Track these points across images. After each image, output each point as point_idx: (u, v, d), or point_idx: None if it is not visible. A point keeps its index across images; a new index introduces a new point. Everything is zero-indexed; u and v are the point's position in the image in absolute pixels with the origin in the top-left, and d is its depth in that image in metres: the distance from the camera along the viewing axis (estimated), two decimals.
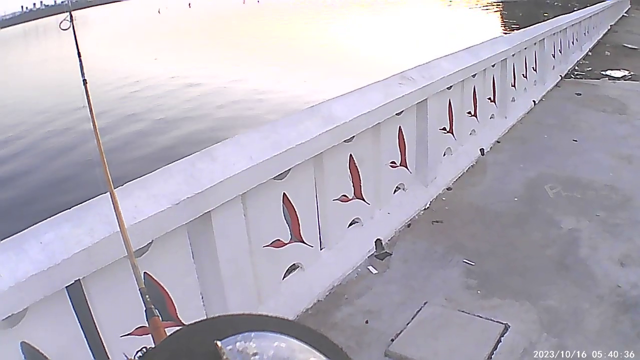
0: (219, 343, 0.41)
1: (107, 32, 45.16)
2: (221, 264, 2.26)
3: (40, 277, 1.57)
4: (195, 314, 2.15)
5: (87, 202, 1.81)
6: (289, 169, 2.58)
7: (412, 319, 2.62)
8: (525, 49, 6.29)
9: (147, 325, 0.96)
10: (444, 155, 4.38)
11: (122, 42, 33.67)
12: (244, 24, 40.16)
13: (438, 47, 7.78)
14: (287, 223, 2.70)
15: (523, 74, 6.42)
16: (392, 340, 2.49)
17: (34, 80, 20.70)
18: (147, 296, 1.04)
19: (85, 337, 1.79)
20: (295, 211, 2.74)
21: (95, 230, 1.71)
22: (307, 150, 2.62)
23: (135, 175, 2.00)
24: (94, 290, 1.81)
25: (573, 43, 9.84)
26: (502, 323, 2.53)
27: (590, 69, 9.65)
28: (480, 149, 4.93)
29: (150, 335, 0.93)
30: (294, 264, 2.82)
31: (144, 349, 0.62)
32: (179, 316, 2.11)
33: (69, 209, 1.79)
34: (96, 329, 1.84)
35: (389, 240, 3.42)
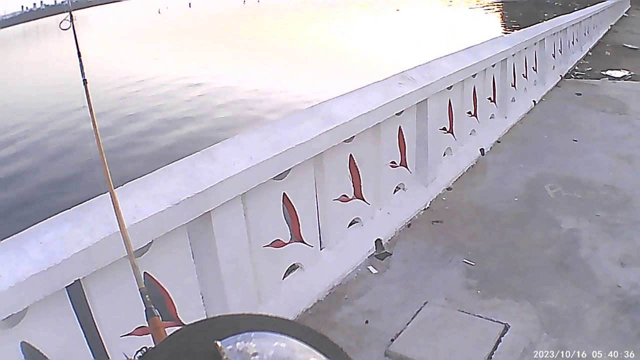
0: (219, 343, 0.41)
1: (107, 32, 45.21)
2: (221, 264, 2.26)
3: (40, 277, 1.57)
4: (195, 314, 2.15)
5: (87, 202, 1.81)
6: (289, 169, 2.58)
7: (412, 319, 2.62)
8: (526, 49, 6.29)
9: (147, 325, 0.97)
10: (444, 155, 4.38)
11: (122, 42, 33.70)
12: (244, 24, 40.18)
13: (438, 47, 7.78)
14: (287, 223, 2.70)
15: (523, 74, 6.42)
16: (392, 340, 2.49)
17: (34, 80, 20.71)
18: (147, 296, 1.04)
19: (85, 337, 1.79)
20: (295, 211, 2.74)
21: (95, 230, 1.71)
22: (307, 150, 2.62)
23: (135, 175, 2.00)
24: (94, 290, 1.81)
25: (573, 43, 9.84)
26: (502, 323, 2.53)
27: (590, 69, 9.65)
28: (480, 149, 4.93)
29: (150, 335, 0.93)
30: (294, 264, 2.82)
31: (144, 349, 0.62)
32: (179, 316, 2.11)
33: (69, 209, 1.79)
34: (96, 329, 1.84)
35: (389, 240, 3.42)
